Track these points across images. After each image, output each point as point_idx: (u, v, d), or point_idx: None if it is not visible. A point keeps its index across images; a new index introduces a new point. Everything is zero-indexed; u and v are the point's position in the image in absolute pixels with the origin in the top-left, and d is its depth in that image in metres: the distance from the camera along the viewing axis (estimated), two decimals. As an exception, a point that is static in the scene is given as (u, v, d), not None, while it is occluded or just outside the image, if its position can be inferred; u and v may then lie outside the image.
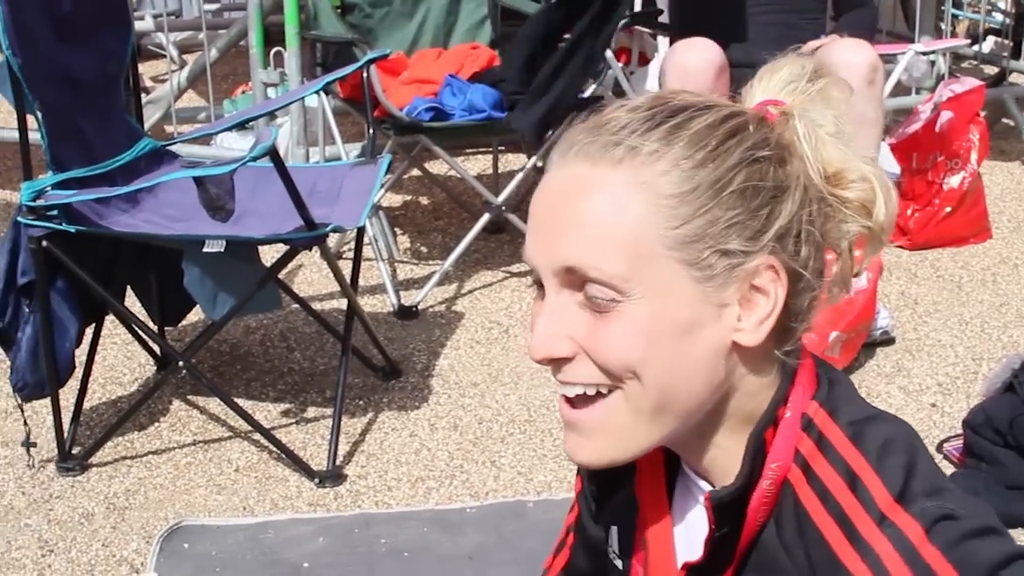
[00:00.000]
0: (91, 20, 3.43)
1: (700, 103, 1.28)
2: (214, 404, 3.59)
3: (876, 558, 1.19)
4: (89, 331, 3.52)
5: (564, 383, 1.29)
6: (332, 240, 4.50)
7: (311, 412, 3.61)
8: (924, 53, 5.05)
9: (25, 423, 3.30)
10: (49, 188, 3.22)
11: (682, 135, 1.24)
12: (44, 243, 3.19)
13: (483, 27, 4.86)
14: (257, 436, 3.41)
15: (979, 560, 1.17)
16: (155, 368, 3.82)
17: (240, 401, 3.49)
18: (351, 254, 3.81)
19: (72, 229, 3.20)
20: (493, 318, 4.14)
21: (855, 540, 1.21)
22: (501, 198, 4.31)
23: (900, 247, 4.60)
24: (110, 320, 3.71)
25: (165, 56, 6.06)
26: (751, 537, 1.28)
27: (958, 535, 1.19)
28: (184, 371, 3.36)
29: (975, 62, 6.36)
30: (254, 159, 3.12)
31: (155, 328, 3.71)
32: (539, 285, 1.29)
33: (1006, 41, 6.14)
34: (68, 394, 3.43)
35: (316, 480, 3.27)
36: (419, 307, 4.18)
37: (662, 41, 4.96)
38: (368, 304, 4.22)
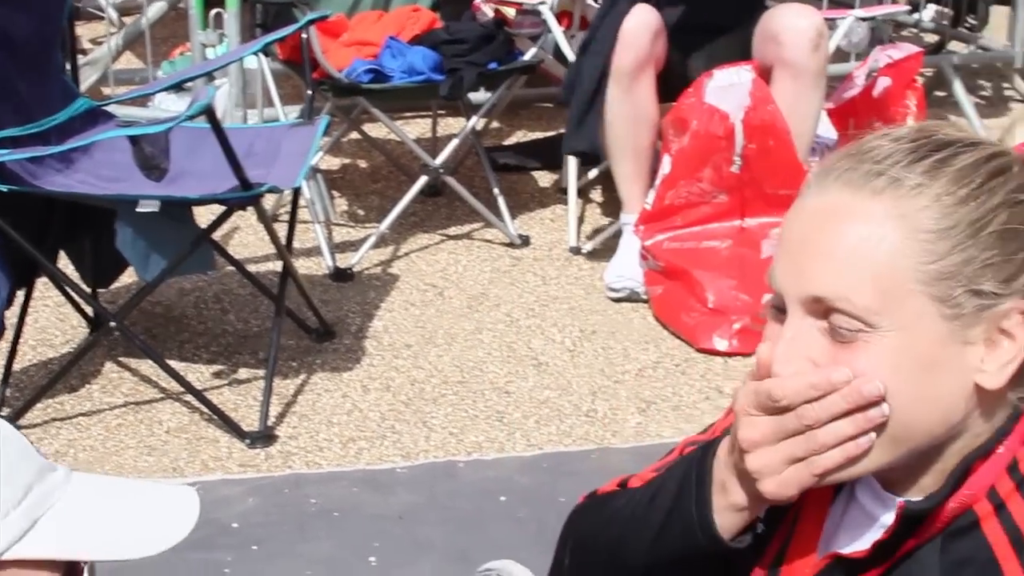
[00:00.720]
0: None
1: (966, 139, 1.27)
2: (146, 366, 3.57)
3: None
4: (21, 293, 3.50)
5: None
6: (269, 202, 4.48)
7: (244, 374, 3.61)
8: (864, 19, 5.05)
9: (-46, 383, 3.29)
10: (-19, 148, 3.20)
11: (947, 171, 1.23)
12: (-26, 202, 3.16)
13: (424, -11, 4.84)
14: (189, 397, 3.40)
15: None
16: (87, 330, 3.79)
17: (173, 363, 3.48)
18: (288, 216, 3.79)
19: (4, 188, 3.17)
20: (428, 280, 4.14)
21: None
22: (439, 161, 4.31)
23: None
24: (42, 282, 3.68)
25: (104, 18, 6.00)
26: (912, 548, 1.28)
27: None
28: (116, 332, 3.35)
29: (915, 30, 6.38)
30: (189, 118, 3.11)
31: (88, 289, 3.69)
32: (778, 309, 1.28)
33: (946, 9, 6.17)
34: (-2, 355, 3.41)
35: (247, 441, 3.27)
36: (355, 269, 4.17)
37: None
38: (304, 266, 4.21)
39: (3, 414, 3.34)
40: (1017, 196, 1.23)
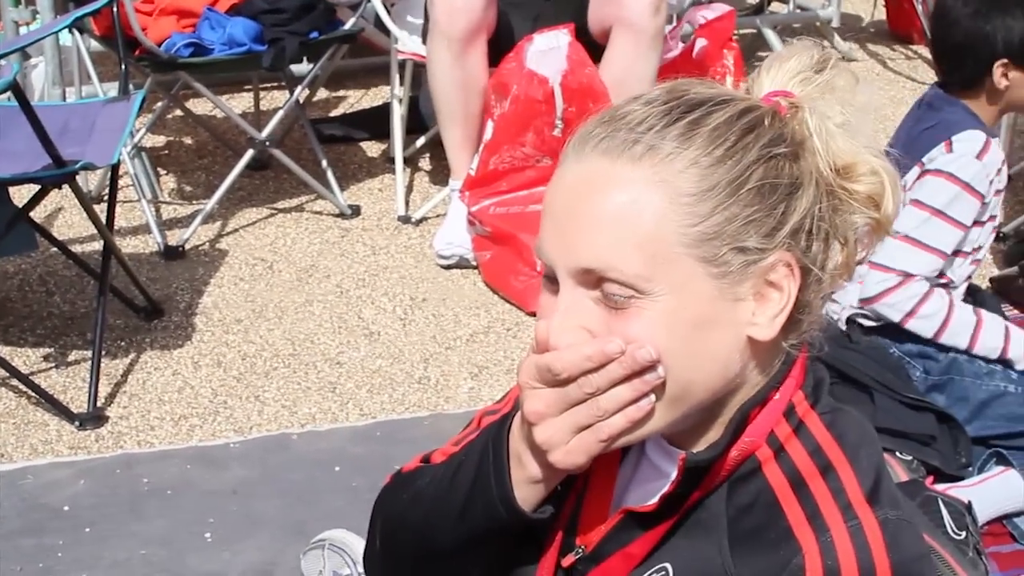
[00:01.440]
0: None
1: (717, 96, 1.28)
2: (-31, 351, 3.51)
3: (830, 541, 1.24)
4: None
5: None
6: (94, 181, 4.42)
7: (72, 355, 3.55)
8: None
9: None
10: None
11: (701, 131, 1.24)
12: None
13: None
14: (15, 382, 3.34)
15: None
16: (-93, 317, 3.71)
17: (-4, 347, 3.43)
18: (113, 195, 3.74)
19: None
20: (257, 254, 4.12)
21: (815, 519, 1.26)
22: (264, 134, 4.27)
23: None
24: None
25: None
26: (700, 497, 1.30)
27: (913, 556, 1.26)
28: (-65, 318, 3.28)
29: (736, -9, 6.49)
30: (-7, 95, 3.04)
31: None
32: (549, 278, 1.28)
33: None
34: None
35: (76, 423, 3.23)
36: (185, 246, 4.13)
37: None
38: (132, 245, 4.16)
39: None
40: (771, 150, 1.26)
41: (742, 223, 1.24)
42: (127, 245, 4.13)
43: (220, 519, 2.92)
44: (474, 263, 4.00)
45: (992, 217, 3.07)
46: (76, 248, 3.98)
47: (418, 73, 4.51)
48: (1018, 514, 2.86)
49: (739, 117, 1.26)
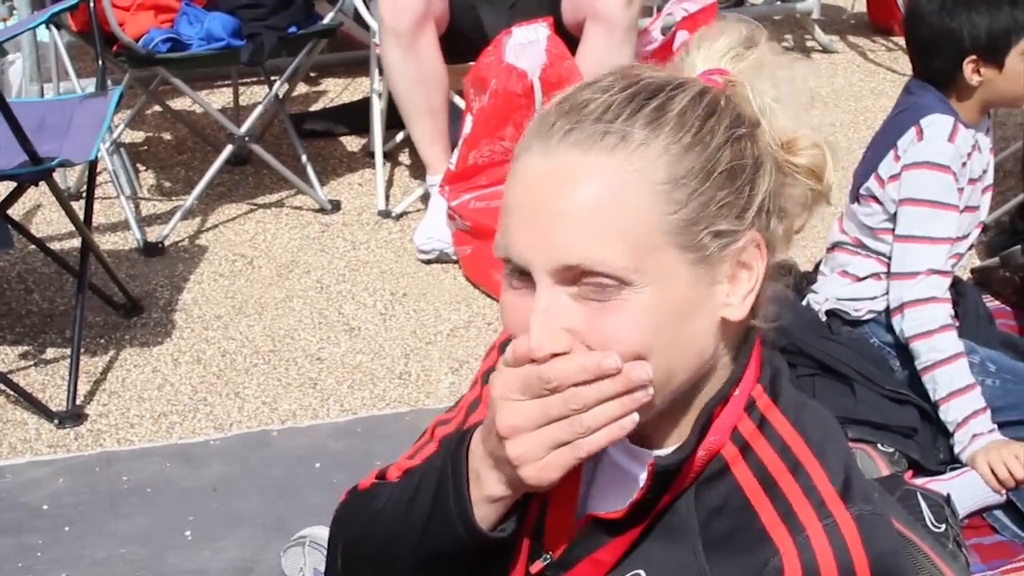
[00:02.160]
0: None
1: (672, 80, 1.27)
2: (-53, 350, 3.49)
3: (806, 540, 1.23)
4: None
5: None
6: (72, 178, 4.40)
7: (50, 353, 3.54)
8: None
9: None
10: None
11: (667, 118, 1.23)
12: None
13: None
14: (-7, 380, 3.33)
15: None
16: None
17: (-26, 345, 3.41)
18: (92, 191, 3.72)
19: None
20: (237, 250, 4.11)
21: (789, 519, 1.25)
22: (243, 129, 4.25)
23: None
24: None
25: None
26: (669, 501, 1.29)
27: (889, 550, 1.26)
28: (-88, 317, 3.26)
29: (716, -17, 6.48)
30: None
31: None
32: (518, 273, 1.24)
33: (744, -38, 6.28)
34: None
35: (55, 421, 3.21)
36: (164, 243, 4.11)
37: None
38: (112, 242, 4.14)
39: None
40: (734, 132, 1.26)
41: (717, 207, 1.24)
42: (106, 242, 4.11)
43: (200, 517, 2.90)
44: (454, 258, 3.99)
45: (971, 208, 3.06)
46: (54, 245, 3.96)
47: (398, 67, 4.49)
48: (998, 506, 2.86)
49: (699, 99, 1.26)
